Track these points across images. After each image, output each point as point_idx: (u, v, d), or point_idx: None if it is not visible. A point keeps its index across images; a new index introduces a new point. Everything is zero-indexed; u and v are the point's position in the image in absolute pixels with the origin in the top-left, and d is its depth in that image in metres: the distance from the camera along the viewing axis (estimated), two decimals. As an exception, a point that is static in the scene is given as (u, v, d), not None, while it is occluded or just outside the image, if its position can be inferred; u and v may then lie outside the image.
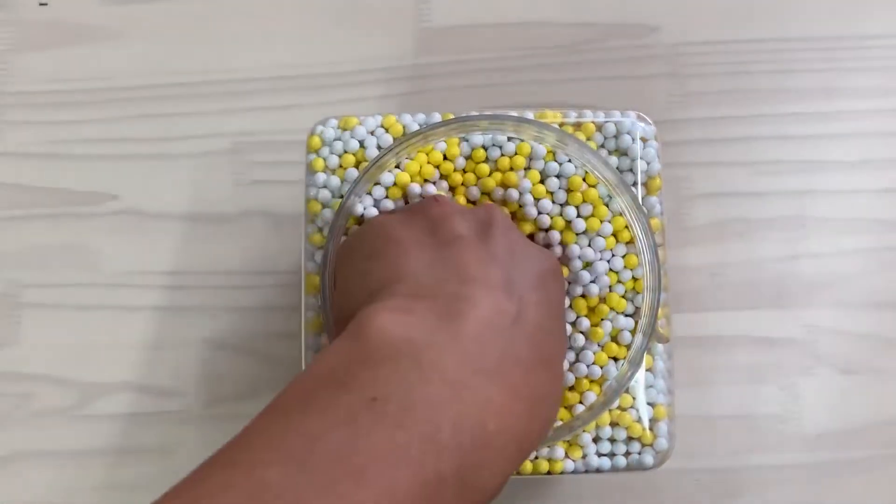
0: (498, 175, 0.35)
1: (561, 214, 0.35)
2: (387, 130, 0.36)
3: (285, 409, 0.25)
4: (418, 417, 0.24)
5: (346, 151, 0.36)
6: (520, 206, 0.35)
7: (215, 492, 0.22)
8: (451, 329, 0.26)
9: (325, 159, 0.36)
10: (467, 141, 0.35)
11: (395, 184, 0.35)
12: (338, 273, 0.33)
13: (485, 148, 0.35)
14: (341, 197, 0.35)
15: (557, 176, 0.35)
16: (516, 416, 0.26)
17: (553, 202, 0.35)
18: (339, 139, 0.36)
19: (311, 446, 0.23)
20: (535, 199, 0.35)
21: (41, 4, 0.47)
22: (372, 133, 0.36)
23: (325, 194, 0.36)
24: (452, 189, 0.35)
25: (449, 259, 0.29)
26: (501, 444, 0.25)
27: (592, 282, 0.35)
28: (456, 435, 0.24)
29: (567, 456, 0.35)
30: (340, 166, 0.36)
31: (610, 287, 0.35)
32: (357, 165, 0.36)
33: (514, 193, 0.35)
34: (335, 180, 0.36)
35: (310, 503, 0.22)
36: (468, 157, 0.35)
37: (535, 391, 0.27)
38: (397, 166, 0.35)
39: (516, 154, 0.35)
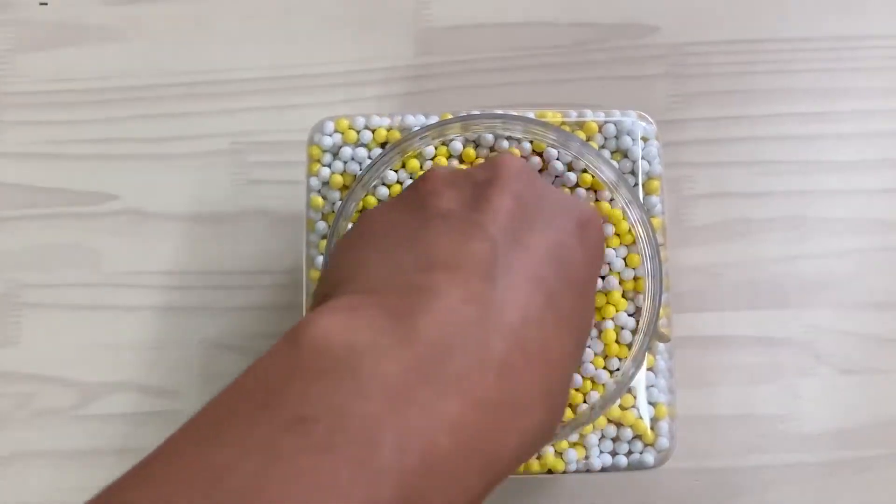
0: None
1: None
2: (387, 131, 0.36)
3: (197, 435, 0.21)
4: (351, 438, 0.20)
5: (345, 170, 0.36)
6: None
7: None
8: (402, 329, 0.22)
9: (324, 168, 0.36)
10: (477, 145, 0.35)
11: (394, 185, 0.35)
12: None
13: (491, 149, 0.35)
14: (344, 196, 0.35)
15: (557, 176, 0.35)
16: (481, 428, 0.22)
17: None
18: (340, 147, 0.36)
19: (217, 480, 0.19)
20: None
21: (41, 4, 0.47)
22: (371, 131, 0.36)
23: (323, 197, 0.36)
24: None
25: (419, 241, 0.25)
26: (461, 461, 0.21)
27: (602, 277, 0.35)
28: (398, 456, 0.20)
29: (566, 455, 0.35)
30: (343, 171, 0.36)
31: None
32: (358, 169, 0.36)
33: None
34: (335, 184, 0.36)
35: None
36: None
37: (515, 396, 0.23)
38: (403, 165, 0.35)
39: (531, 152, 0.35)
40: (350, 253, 0.27)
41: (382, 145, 0.36)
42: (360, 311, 0.22)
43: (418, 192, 0.27)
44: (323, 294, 0.26)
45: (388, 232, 0.26)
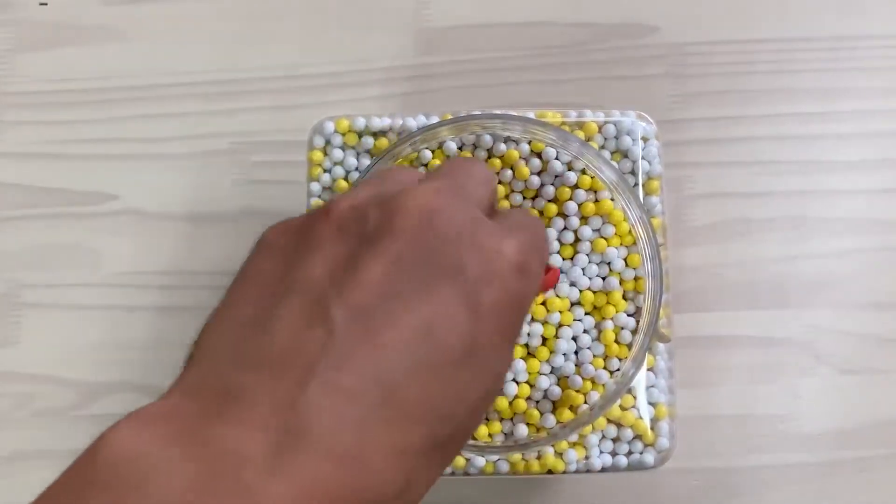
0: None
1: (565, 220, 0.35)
2: (387, 131, 0.36)
3: None
4: None
5: (344, 171, 0.36)
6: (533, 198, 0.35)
7: None
8: (197, 441, 0.21)
9: (325, 169, 0.36)
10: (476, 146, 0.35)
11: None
12: None
13: (490, 151, 0.35)
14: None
15: (558, 176, 0.35)
16: None
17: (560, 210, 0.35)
18: (340, 148, 0.36)
19: None
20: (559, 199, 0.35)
21: (41, 4, 0.47)
22: (371, 132, 0.36)
23: (323, 199, 0.36)
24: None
25: (266, 319, 0.23)
26: None
27: (603, 278, 0.35)
28: None
29: (566, 455, 0.35)
30: (343, 173, 0.36)
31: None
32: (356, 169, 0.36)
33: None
34: (335, 185, 0.36)
35: None
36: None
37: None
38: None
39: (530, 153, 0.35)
40: (211, 317, 0.25)
41: (382, 146, 0.36)
42: (167, 420, 0.22)
43: (307, 236, 0.25)
44: (189, 356, 0.26)
45: (257, 288, 0.25)
